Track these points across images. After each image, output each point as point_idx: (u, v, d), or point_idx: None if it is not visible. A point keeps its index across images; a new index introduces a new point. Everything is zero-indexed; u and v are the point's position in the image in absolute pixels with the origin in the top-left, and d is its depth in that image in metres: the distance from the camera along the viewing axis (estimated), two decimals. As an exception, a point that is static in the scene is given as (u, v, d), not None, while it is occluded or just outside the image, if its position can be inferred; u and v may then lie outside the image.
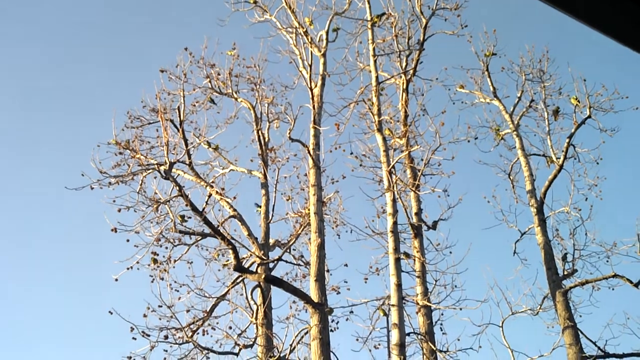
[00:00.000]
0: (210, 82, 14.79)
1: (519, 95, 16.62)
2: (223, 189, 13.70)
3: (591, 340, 12.76)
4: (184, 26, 31.23)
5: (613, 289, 13.70)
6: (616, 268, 13.61)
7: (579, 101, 15.18)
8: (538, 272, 14.39)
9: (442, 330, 12.33)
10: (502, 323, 13.12)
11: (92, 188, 11.98)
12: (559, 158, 15.01)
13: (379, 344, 11.49)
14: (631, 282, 12.91)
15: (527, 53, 16.90)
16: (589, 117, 15.01)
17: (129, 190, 12.74)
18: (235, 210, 13.12)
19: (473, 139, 15.65)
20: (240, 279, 12.41)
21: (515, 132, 15.98)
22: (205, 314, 12.12)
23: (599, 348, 12.65)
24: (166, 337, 11.18)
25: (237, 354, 11.38)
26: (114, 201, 12.06)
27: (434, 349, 11.57)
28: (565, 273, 13.94)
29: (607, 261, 14.08)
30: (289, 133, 12.52)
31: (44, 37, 31.07)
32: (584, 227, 14.48)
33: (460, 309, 11.53)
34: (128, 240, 11.94)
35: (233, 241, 11.12)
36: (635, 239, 13.15)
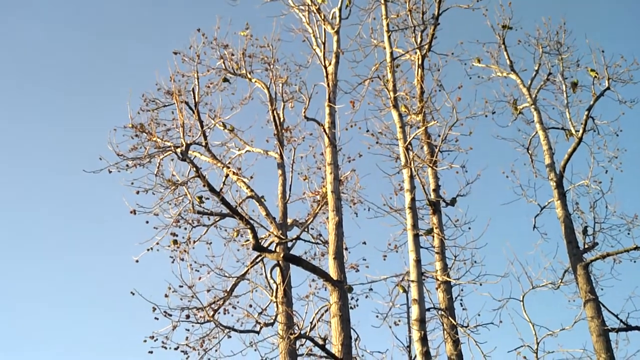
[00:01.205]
0: (223, 63, 14.76)
1: (536, 68, 16.41)
2: (239, 170, 13.73)
3: (613, 313, 12.69)
4: (196, 7, 31.24)
5: (635, 262, 13.60)
6: (637, 240, 13.56)
7: (597, 73, 14.96)
8: (558, 246, 14.28)
9: (462, 305, 12.32)
10: (523, 297, 13.08)
11: (109, 171, 12.05)
12: (578, 131, 14.84)
13: (399, 320, 11.53)
14: (653, 253, 12.81)
15: (543, 25, 16.66)
16: (608, 88, 14.80)
17: (147, 172, 12.84)
18: (252, 190, 13.15)
19: (490, 114, 15.47)
20: (260, 258, 12.48)
21: (533, 106, 15.81)
22: (226, 294, 12.22)
23: (621, 321, 12.58)
24: (188, 316, 11.30)
25: (258, 332, 11.48)
26: (132, 184, 12.15)
27: (455, 324, 11.56)
28: (586, 246, 13.83)
29: (629, 233, 14.01)
30: (304, 112, 12.47)
31: (55, 18, 31.21)
32: (605, 200, 14.36)
33: (480, 284, 11.51)
34: (147, 222, 12.04)
35: (251, 221, 11.15)
36: (656, 210, 13.00)
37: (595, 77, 15.03)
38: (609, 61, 14.84)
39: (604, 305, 12.72)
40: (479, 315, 11.80)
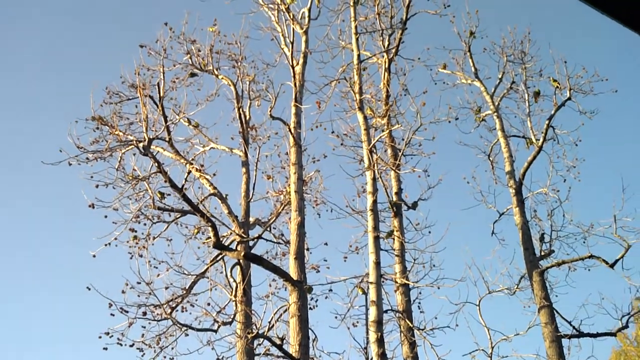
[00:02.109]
0: (190, 58, 14.62)
1: (500, 76, 16.67)
2: (203, 166, 13.62)
3: (566, 320, 12.98)
4: (164, 1, 30.88)
5: (589, 270, 13.91)
6: (592, 249, 13.82)
7: (559, 83, 15.26)
8: (515, 252, 14.55)
9: (419, 308, 12.47)
10: (479, 302, 13.24)
11: (69, 164, 11.85)
12: (539, 139, 15.11)
13: (357, 322, 11.59)
14: (607, 262, 13.09)
15: (509, 34, 16.97)
16: (569, 99, 15.11)
17: (107, 166, 12.62)
18: (215, 188, 13.06)
19: (454, 120, 15.70)
20: (220, 256, 12.39)
21: (495, 114, 16.04)
22: (184, 291, 12.11)
23: (573, 327, 12.85)
24: (144, 313, 11.17)
25: (215, 331, 11.41)
26: (92, 177, 11.96)
27: (412, 326, 11.68)
28: (543, 253, 14.11)
29: (584, 242, 14.28)
30: (270, 111, 12.45)
31: (23, 10, 30.54)
32: (562, 209, 14.66)
33: (438, 287, 11.66)
34: (106, 217, 11.88)
35: (213, 219, 11.09)
36: (611, 220, 13.31)
37: (557, 87, 15.33)
38: (571, 72, 15.20)
39: (557, 312, 13.00)
40: (435, 318, 11.96)
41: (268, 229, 13.35)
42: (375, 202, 11.24)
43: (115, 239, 11.91)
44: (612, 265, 13.00)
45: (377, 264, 10.44)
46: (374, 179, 11.48)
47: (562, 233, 14.46)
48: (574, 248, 14.24)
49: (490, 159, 16.17)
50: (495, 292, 13.13)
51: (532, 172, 15.03)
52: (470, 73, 16.92)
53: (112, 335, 11.07)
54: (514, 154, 15.45)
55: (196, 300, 12.38)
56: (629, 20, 1.89)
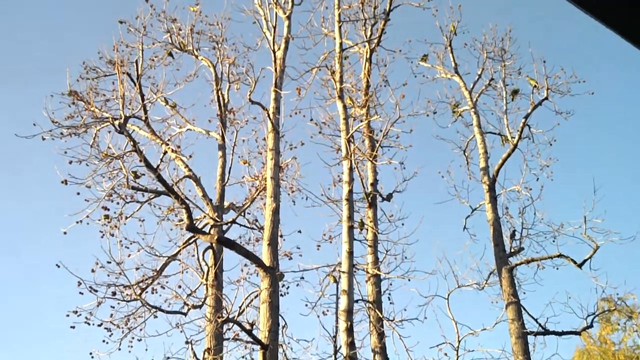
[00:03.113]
0: (170, 37, 14.43)
1: (479, 72, 16.77)
2: (179, 147, 13.49)
3: (533, 317, 13.16)
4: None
5: (557, 269, 14.13)
6: (562, 248, 14.03)
7: (537, 83, 15.39)
8: (486, 248, 14.71)
9: (389, 299, 12.54)
10: (448, 295, 13.36)
11: (43, 138, 11.62)
12: (514, 137, 15.25)
13: (327, 310, 11.63)
14: (575, 262, 13.30)
15: (490, 31, 17.03)
16: (546, 98, 15.25)
17: (82, 142, 12.43)
18: (190, 170, 12.95)
19: (432, 114, 15.78)
20: (193, 239, 12.32)
21: (473, 110, 16.14)
22: (155, 273, 12.01)
23: (539, 325, 13.04)
24: (114, 293, 11.06)
25: (185, 314, 11.32)
26: (66, 153, 11.74)
27: (381, 317, 11.75)
28: (512, 250, 14.28)
29: (554, 241, 14.48)
30: (249, 95, 12.35)
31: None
32: (534, 207, 14.85)
33: (409, 279, 11.75)
34: (79, 194, 11.67)
35: (187, 201, 10.98)
36: (582, 220, 13.51)
37: (535, 86, 15.46)
38: (549, 72, 15.33)
39: (524, 309, 13.17)
40: (405, 310, 12.10)
41: (242, 214, 13.29)
42: (351, 191, 11.26)
43: (87, 216, 11.75)
44: (580, 265, 13.22)
45: (350, 253, 10.47)
46: (351, 169, 11.49)
47: (532, 231, 14.67)
48: (544, 246, 14.46)
49: (466, 154, 16.29)
50: (464, 286, 13.27)
51: (506, 169, 15.21)
52: (450, 68, 17.00)
53: (80, 314, 10.97)
54: (489, 151, 15.58)
55: (167, 282, 12.32)
56: (610, 20, 1.89)
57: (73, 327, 10.76)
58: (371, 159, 13.01)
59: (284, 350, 10.25)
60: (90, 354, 10.97)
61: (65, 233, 11.40)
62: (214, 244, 11.76)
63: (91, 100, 12.19)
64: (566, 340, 14.36)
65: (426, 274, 11.72)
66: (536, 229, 14.78)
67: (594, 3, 1.81)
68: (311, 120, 13.21)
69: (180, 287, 11.80)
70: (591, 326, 13.06)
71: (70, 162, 11.65)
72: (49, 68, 29.11)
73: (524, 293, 13.82)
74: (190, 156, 13.57)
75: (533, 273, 14.25)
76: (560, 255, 13.52)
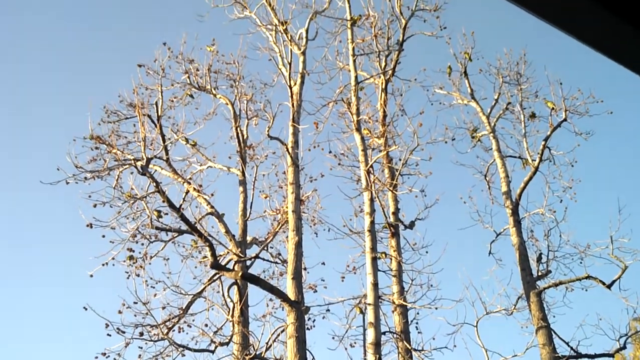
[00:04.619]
0: (188, 77, 14.70)
1: (496, 97, 16.76)
2: (201, 186, 13.63)
3: (564, 341, 12.92)
4: (163, 21, 31.07)
5: (586, 290, 13.91)
6: (589, 269, 13.83)
7: (554, 104, 15.35)
8: (512, 272, 14.56)
9: (417, 329, 12.42)
10: (477, 323, 13.23)
11: (67, 183, 11.86)
12: (535, 160, 15.16)
13: (355, 343, 11.55)
14: (604, 283, 13.08)
15: (504, 56, 17.08)
16: (565, 120, 15.18)
17: (105, 185, 12.65)
18: (212, 207, 13.06)
19: (450, 140, 15.79)
20: (217, 276, 12.36)
21: (491, 134, 16.11)
22: (181, 311, 12.05)
23: (571, 348, 12.80)
24: (141, 333, 11.11)
25: (212, 352, 11.34)
26: (90, 196, 11.94)
27: (409, 347, 11.62)
28: (540, 274, 14.09)
29: (581, 262, 14.26)
30: (268, 131, 12.49)
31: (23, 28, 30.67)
32: (558, 229, 14.69)
33: (436, 308, 11.63)
34: (104, 236, 11.85)
35: (210, 238, 11.06)
36: (608, 240, 13.34)
37: (553, 108, 15.41)
38: (566, 93, 15.27)
39: (555, 333, 12.95)
40: (433, 339, 11.95)
41: (265, 248, 13.34)
42: (372, 222, 11.26)
43: (113, 258, 11.89)
44: (609, 286, 13.00)
45: (375, 285, 10.43)
46: (372, 200, 11.51)
47: (559, 253, 14.49)
48: (571, 268, 14.27)
49: (487, 179, 16.22)
50: (492, 312, 13.13)
51: (529, 192, 15.08)
52: (466, 94, 17.02)
53: (108, 356, 11.03)
54: (510, 174, 15.50)
55: (193, 320, 12.35)
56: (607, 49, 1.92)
57: (102, 369, 10.81)
58: (391, 188, 13.02)
59: (312, 385, 10.19)
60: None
61: (91, 276, 11.55)
62: (238, 280, 11.79)
63: (113, 143, 12.44)
64: (599, 363, 14.06)
65: (453, 301, 11.64)
66: (562, 251, 14.61)
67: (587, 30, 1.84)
68: (330, 152, 13.31)
69: (206, 324, 11.84)
70: (624, 347, 12.78)
71: (95, 205, 11.86)
72: (70, 111, 29.66)
73: (554, 316, 13.63)
74: (212, 194, 13.71)
75: (562, 296, 14.10)
76: (588, 277, 13.31)
